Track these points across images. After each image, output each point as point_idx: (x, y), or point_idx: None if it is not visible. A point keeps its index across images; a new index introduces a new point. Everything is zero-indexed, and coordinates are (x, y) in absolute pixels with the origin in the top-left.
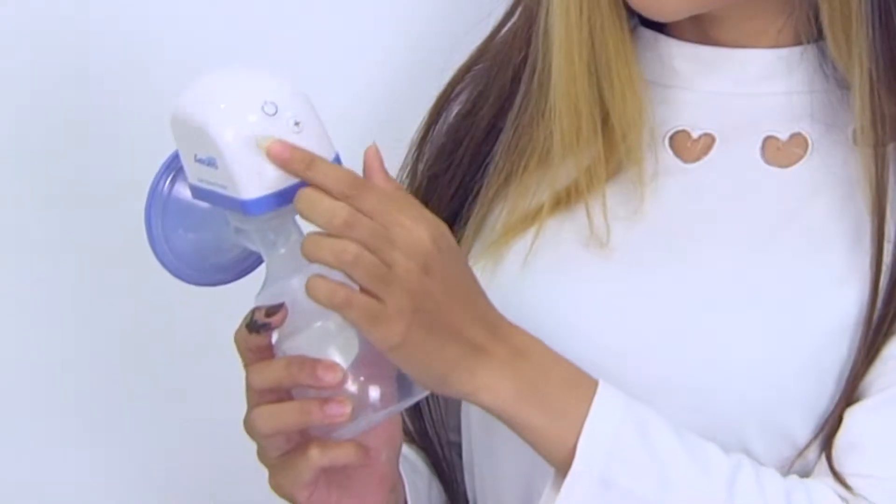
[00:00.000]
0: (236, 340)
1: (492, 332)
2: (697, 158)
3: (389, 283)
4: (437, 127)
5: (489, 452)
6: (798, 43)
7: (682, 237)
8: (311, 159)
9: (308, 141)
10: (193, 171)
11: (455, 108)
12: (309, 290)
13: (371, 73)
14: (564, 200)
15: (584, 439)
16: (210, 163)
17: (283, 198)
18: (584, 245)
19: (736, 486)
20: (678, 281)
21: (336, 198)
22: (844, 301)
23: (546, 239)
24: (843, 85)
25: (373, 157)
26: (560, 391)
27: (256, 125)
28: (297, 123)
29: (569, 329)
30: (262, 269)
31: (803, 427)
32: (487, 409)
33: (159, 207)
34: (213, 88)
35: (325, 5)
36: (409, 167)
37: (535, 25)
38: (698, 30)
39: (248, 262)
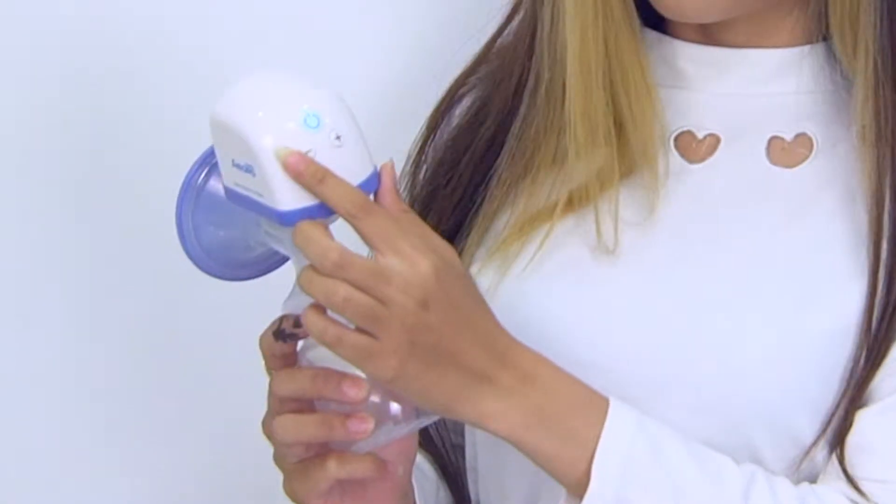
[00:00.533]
0: (261, 345)
1: (497, 358)
2: (703, 159)
3: (382, 321)
4: (437, 135)
5: (494, 454)
6: (804, 42)
7: (687, 238)
8: (324, 175)
9: (347, 155)
10: (229, 175)
11: (455, 117)
12: (304, 324)
13: (369, 76)
14: (574, 204)
15: (597, 462)
16: (247, 170)
17: (319, 211)
18: (591, 248)
19: (751, 498)
20: (683, 282)
21: (343, 216)
22: (849, 300)
23: (554, 243)
24: (850, 84)
25: (387, 175)
26: (570, 414)
27: (297, 138)
28: (338, 137)
29: (576, 332)
30: (281, 267)
31: (810, 427)
32: (496, 436)
33: (191, 201)
34: (256, 95)
35: (323, 7)
36: (408, 178)
37: (537, 36)
38: (702, 30)
39: (274, 260)
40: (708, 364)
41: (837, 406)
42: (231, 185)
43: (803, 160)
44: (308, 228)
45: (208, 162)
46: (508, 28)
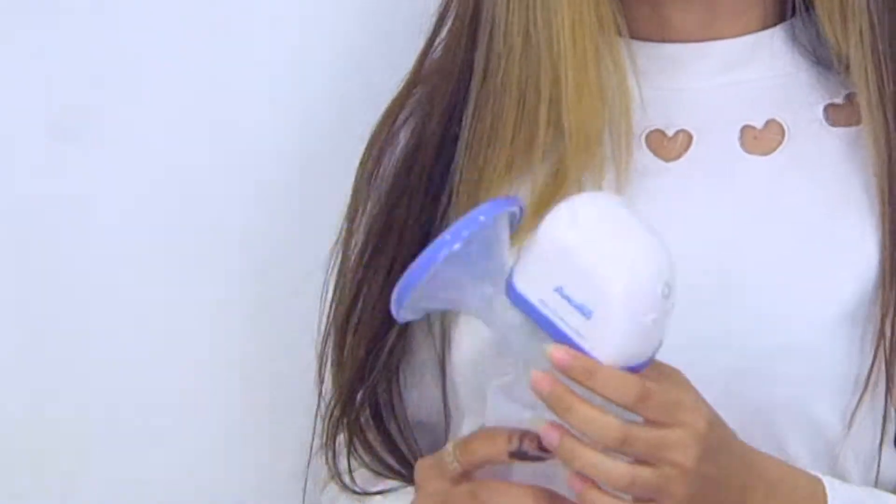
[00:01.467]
0: (472, 450)
1: (751, 472)
2: (678, 156)
3: (664, 488)
4: (381, 167)
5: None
6: (761, 28)
7: (677, 236)
8: (594, 369)
9: (664, 324)
10: (541, 294)
11: (401, 139)
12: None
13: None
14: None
15: None
16: (582, 310)
17: (638, 367)
18: None
19: None
20: (684, 279)
21: (621, 406)
22: (854, 275)
23: None
24: (813, 62)
25: None
26: None
27: (653, 306)
28: (672, 305)
29: None
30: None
31: (832, 414)
32: None
33: (424, 278)
34: (622, 242)
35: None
36: (352, 211)
37: (478, 46)
38: (659, 28)
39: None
40: (722, 356)
41: (862, 395)
42: (535, 302)
43: (777, 146)
44: (585, 409)
45: (449, 244)
46: (437, 42)
